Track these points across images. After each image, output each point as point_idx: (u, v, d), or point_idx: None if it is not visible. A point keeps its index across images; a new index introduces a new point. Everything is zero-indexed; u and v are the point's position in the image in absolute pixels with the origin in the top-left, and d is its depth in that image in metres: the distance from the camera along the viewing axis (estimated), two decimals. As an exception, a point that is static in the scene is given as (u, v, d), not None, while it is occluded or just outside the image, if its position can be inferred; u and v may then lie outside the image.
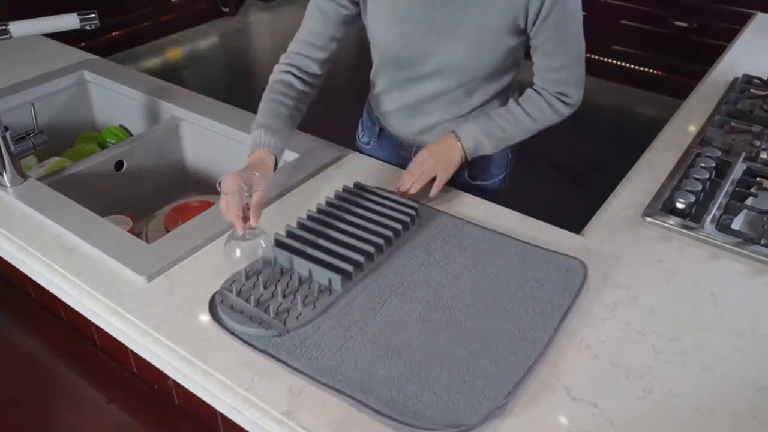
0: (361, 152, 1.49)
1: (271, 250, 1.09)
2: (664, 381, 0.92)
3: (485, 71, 1.27)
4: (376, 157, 1.45)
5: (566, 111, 1.30)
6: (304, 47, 1.30)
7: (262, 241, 1.09)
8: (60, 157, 1.63)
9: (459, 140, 1.28)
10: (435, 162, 1.27)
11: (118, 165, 1.56)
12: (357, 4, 1.27)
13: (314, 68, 1.30)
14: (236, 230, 1.06)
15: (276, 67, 1.33)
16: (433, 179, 1.27)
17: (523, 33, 1.22)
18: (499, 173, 1.50)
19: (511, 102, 1.31)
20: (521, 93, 1.34)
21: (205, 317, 1.02)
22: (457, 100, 1.34)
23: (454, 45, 1.23)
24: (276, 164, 1.20)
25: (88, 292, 1.09)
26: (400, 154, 1.48)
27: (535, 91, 1.30)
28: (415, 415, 0.86)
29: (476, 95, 1.33)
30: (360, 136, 1.58)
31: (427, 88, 1.33)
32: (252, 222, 1.05)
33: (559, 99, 1.29)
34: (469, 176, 1.45)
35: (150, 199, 1.64)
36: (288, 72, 1.29)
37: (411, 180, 1.27)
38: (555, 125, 1.32)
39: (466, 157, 1.29)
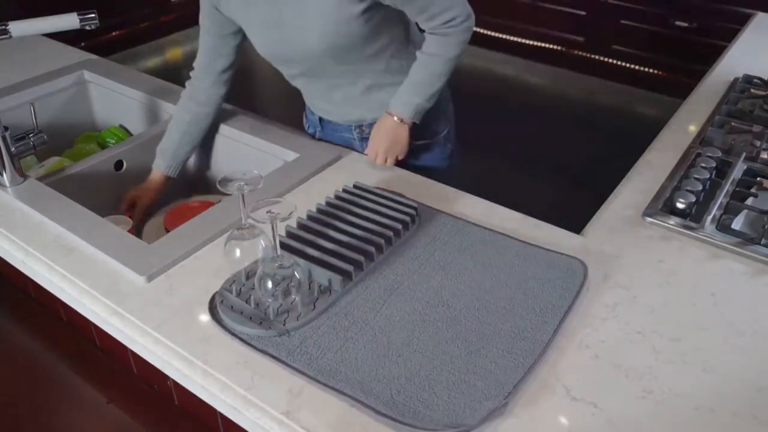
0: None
1: (271, 250, 1.08)
2: (664, 381, 0.92)
3: (347, 44, 1.30)
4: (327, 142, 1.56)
5: (466, 26, 1.31)
6: (197, 74, 1.49)
7: (262, 241, 1.09)
8: (60, 157, 1.63)
9: (398, 117, 1.36)
10: (388, 148, 1.37)
11: (118, 165, 1.56)
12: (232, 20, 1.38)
13: (208, 91, 1.49)
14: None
15: (182, 92, 1.53)
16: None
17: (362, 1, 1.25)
18: (440, 129, 1.54)
19: (417, 53, 1.35)
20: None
21: (205, 317, 1.02)
22: (349, 80, 1.40)
23: (305, 35, 1.29)
24: (168, 178, 1.55)
25: (88, 292, 1.09)
26: (345, 136, 1.55)
27: (431, 33, 1.33)
28: (415, 415, 0.86)
29: (358, 67, 1.38)
30: (306, 128, 1.65)
31: (321, 75, 1.41)
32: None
33: (451, 27, 1.30)
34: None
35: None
36: (186, 96, 1.51)
37: (374, 161, 1.39)
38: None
39: (414, 123, 1.37)
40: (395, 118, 1.36)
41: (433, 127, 1.52)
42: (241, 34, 1.42)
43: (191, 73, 1.50)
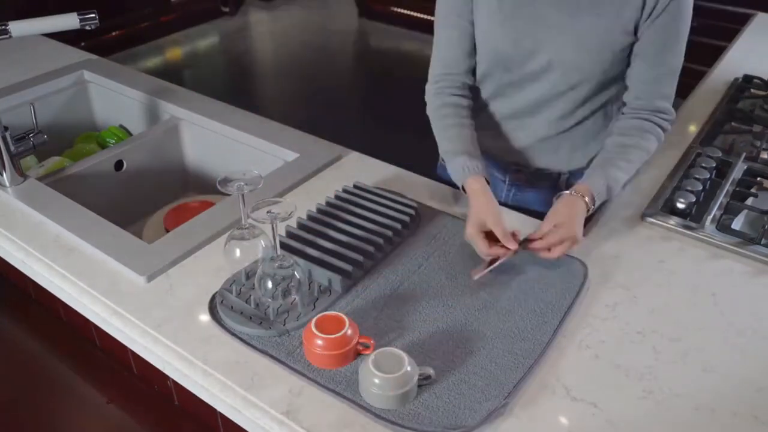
0: (441, 181, 1.36)
1: (270, 250, 1.08)
2: (665, 381, 0.92)
3: (594, 72, 1.18)
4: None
5: (668, 129, 1.21)
6: (448, 68, 1.27)
7: (261, 241, 1.09)
8: (60, 157, 1.63)
9: (590, 200, 1.11)
10: (568, 229, 1.07)
11: (118, 165, 1.56)
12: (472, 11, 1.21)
13: (465, 80, 1.27)
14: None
15: (430, 96, 1.29)
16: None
17: (635, 34, 1.14)
18: None
19: (620, 139, 1.18)
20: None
21: (205, 317, 1.02)
22: (563, 109, 1.24)
23: (564, 40, 1.16)
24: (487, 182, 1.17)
25: (88, 292, 1.09)
26: (493, 174, 1.36)
27: (636, 118, 1.19)
28: (415, 416, 0.86)
29: (583, 105, 1.24)
30: (439, 169, 1.44)
31: (534, 91, 1.24)
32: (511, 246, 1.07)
33: (662, 117, 1.19)
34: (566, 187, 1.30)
35: (150, 199, 1.64)
36: (450, 94, 1.26)
37: (543, 246, 1.08)
38: None
39: (592, 208, 1.13)
40: (586, 200, 1.11)
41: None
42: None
43: (436, 76, 1.28)
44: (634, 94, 1.20)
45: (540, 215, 1.16)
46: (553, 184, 1.36)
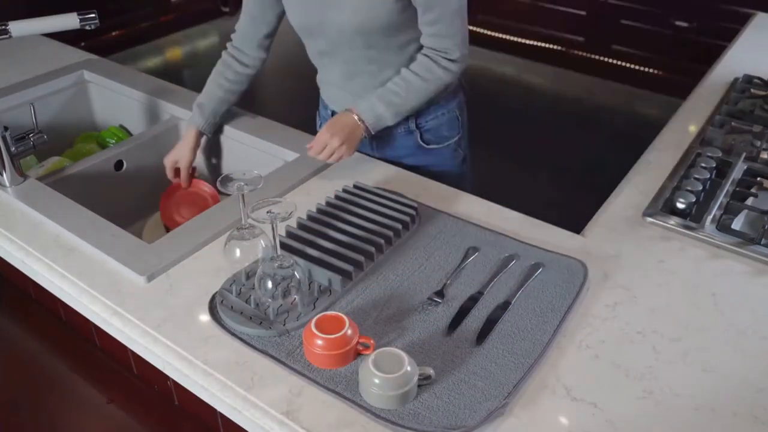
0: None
1: (270, 250, 1.08)
2: (665, 381, 0.92)
3: (379, 26, 1.29)
4: None
5: (454, 68, 1.33)
6: (240, 43, 1.51)
7: (261, 241, 1.09)
8: (60, 157, 1.63)
9: (359, 118, 1.32)
10: (339, 141, 1.30)
11: (118, 165, 1.56)
12: None
13: (251, 55, 1.50)
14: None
15: (223, 52, 1.54)
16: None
17: None
18: (452, 135, 1.52)
19: (403, 69, 1.34)
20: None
21: (205, 317, 1.02)
22: (370, 68, 1.39)
23: (343, 5, 1.29)
24: (201, 135, 1.53)
25: (88, 292, 1.09)
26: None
27: (423, 54, 1.33)
28: (415, 416, 0.86)
29: (383, 56, 1.36)
30: (318, 126, 1.63)
31: (344, 55, 1.39)
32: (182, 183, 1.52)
33: (442, 56, 1.31)
34: (422, 140, 1.48)
35: (150, 199, 1.63)
36: (231, 56, 1.51)
37: (314, 154, 1.32)
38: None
39: (370, 132, 1.33)
40: (355, 117, 1.32)
41: (444, 132, 1.50)
42: (281, 3, 1.42)
43: (232, 36, 1.52)
44: (422, 41, 1.34)
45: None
46: (406, 130, 1.47)
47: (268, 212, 0.97)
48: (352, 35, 1.32)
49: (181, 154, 1.51)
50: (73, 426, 1.15)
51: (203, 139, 1.55)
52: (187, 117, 1.63)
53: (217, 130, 1.59)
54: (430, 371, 0.90)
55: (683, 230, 1.20)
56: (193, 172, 1.55)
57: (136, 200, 1.60)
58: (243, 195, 1.03)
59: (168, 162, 1.52)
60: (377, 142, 1.48)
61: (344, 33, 1.33)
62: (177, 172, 1.53)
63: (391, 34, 1.32)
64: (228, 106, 1.55)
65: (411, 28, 1.32)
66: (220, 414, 0.95)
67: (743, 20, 2.21)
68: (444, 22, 1.28)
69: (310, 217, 1.18)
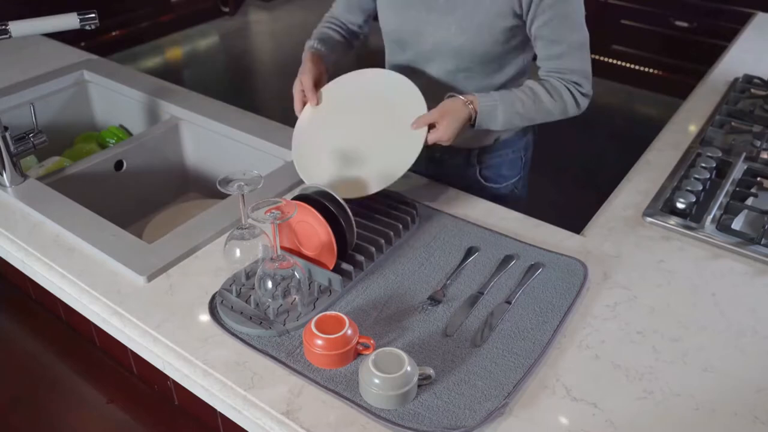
0: None
1: (270, 250, 1.08)
2: (665, 381, 0.92)
3: (480, 53, 1.25)
4: None
5: (582, 102, 1.26)
6: (343, 11, 1.44)
7: (261, 241, 1.09)
8: (60, 157, 1.63)
9: (475, 112, 1.21)
10: (447, 136, 1.19)
11: (118, 165, 1.56)
12: None
13: (355, 26, 1.45)
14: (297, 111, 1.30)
15: (318, 26, 1.46)
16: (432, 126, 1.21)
17: (520, 18, 1.21)
18: (512, 176, 1.47)
19: (530, 81, 1.27)
20: None
21: (205, 317, 1.02)
22: (447, 94, 1.29)
23: (448, 23, 1.24)
24: (320, 58, 1.35)
25: (88, 292, 1.09)
26: None
27: (550, 78, 1.26)
28: (415, 416, 0.86)
29: (477, 85, 1.31)
30: None
31: (429, 72, 1.33)
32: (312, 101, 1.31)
33: (575, 87, 1.25)
34: (480, 176, 1.43)
35: (150, 199, 1.64)
36: (329, 27, 1.44)
37: (417, 127, 1.20)
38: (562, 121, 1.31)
39: (474, 121, 1.22)
40: (470, 113, 1.21)
41: (505, 172, 1.45)
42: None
43: (326, 15, 1.47)
44: (543, 73, 1.28)
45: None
46: (466, 161, 1.44)
47: (267, 212, 0.97)
48: (447, 55, 1.28)
49: (303, 77, 1.31)
50: (73, 426, 1.15)
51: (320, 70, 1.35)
52: (187, 117, 1.63)
53: (216, 130, 1.58)
54: (430, 371, 0.90)
55: (683, 230, 1.20)
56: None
57: (136, 200, 1.60)
58: (243, 195, 1.03)
59: (296, 90, 1.32)
60: (434, 165, 1.41)
61: (440, 51, 1.28)
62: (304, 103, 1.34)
63: (487, 62, 1.28)
64: (336, 57, 1.41)
65: (508, 63, 1.29)
66: (220, 414, 0.95)
67: (743, 20, 2.21)
68: (573, 56, 1.23)
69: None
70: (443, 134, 1.18)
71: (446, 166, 1.43)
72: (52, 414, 1.16)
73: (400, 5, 1.30)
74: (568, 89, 1.25)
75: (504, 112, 1.22)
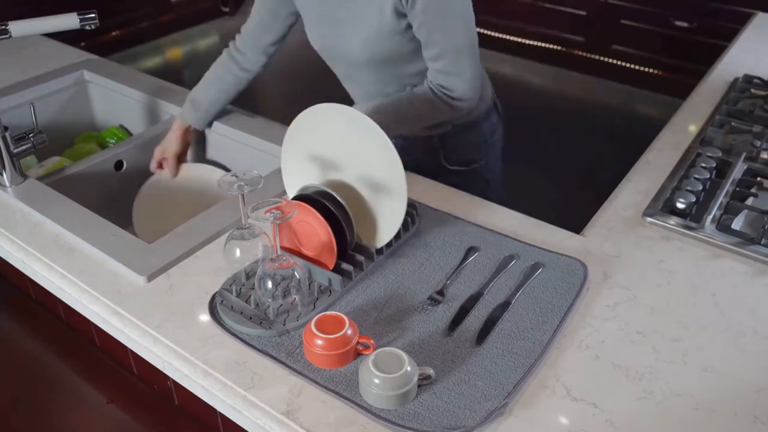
0: None
1: (270, 250, 1.08)
2: (665, 381, 0.92)
3: (392, 56, 1.28)
4: None
5: (458, 105, 1.28)
6: (243, 42, 1.47)
7: (261, 241, 1.09)
8: (60, 157, 1.63)
9: None
10: None
11: (118, 165, 1.56)
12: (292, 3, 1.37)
13: (253, 59, 1.48)
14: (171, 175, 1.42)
15: (225, 49, 1.52)
16: None
17: (400, 16, 1.23)
18: (478, 158, 1.50)
19: (408, 87, 1.31)
20: None
21: (205, 317, 1.02)
22: (385, 93, 1.36)
23: (350, 38, 1.28)
24: (190, 129, 1.53)
25: (88, 292, 1.09)
26: None
27: (428, 86, 1.29)
28: (415, 416, 0.86)
29: (398, 84, 1.35)
30: None
31: (358, 87, 1.40)
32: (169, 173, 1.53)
33: (444, 92, 1.27)
34: (445, 160, 1.46)
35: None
36: (230, 58, 1.50)
37: None
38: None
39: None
40: None
41: (469, 155, 1.48)
42: (296, 17, 1.41)
43: (237, 36, 1.49)
44: (427, 72, 1.29)
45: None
46: (428, 146, 1.46)
47: (267, 212, 0.97)
48: (363, 65, 1.32)
49: (168, 148, 1.52)
50: (73, 426, 1.15)
51: (193, 134, 1.56)
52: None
53: (216, 130, 1.59)
54: (430, 371, 0.90)
55: (683, 230, 1.20)
56: (179, 160, 1.56)
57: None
58: (243, 195, 1.02)
59: (156, 155, 1.53)
60: (400, 155, 1.45)
61: (356, 62, 1.33)
62: (160, 165, 1.55)
63: (403, 63, 1.31)
64: (222, 106, 1.56)
65: (422, 58, 1.31)
66: (220, 414, 0.95)
67: (743, 20, 2.21)
68: (447, 58, 1.25)
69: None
70: None
71: (411, 153, 1.42)
72: (52, 414, 1.16)
73: (316, 22, 1.35)
74: (439, 98, 1.28)
75: (379, 118, 1.20)
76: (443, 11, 1.21)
